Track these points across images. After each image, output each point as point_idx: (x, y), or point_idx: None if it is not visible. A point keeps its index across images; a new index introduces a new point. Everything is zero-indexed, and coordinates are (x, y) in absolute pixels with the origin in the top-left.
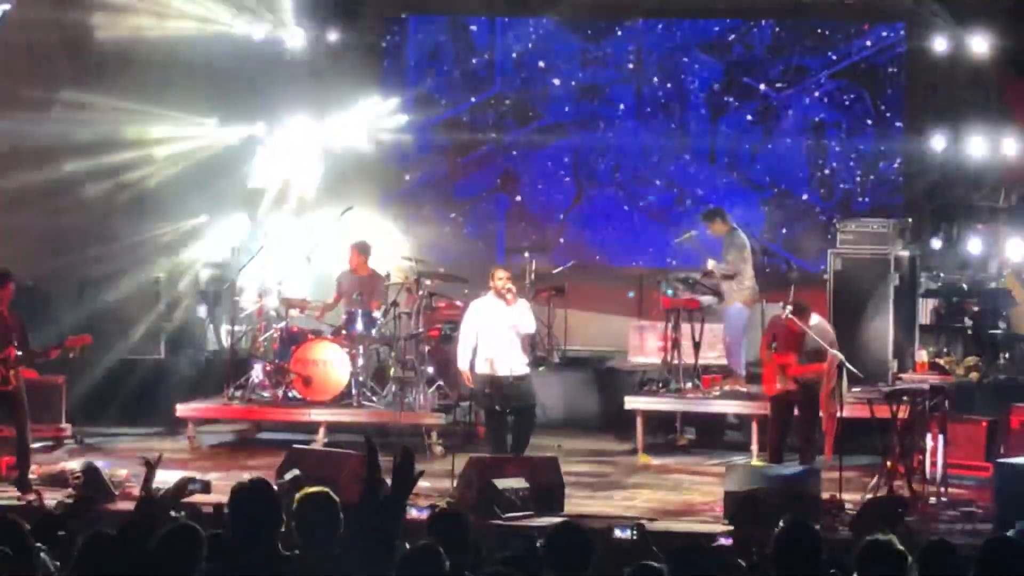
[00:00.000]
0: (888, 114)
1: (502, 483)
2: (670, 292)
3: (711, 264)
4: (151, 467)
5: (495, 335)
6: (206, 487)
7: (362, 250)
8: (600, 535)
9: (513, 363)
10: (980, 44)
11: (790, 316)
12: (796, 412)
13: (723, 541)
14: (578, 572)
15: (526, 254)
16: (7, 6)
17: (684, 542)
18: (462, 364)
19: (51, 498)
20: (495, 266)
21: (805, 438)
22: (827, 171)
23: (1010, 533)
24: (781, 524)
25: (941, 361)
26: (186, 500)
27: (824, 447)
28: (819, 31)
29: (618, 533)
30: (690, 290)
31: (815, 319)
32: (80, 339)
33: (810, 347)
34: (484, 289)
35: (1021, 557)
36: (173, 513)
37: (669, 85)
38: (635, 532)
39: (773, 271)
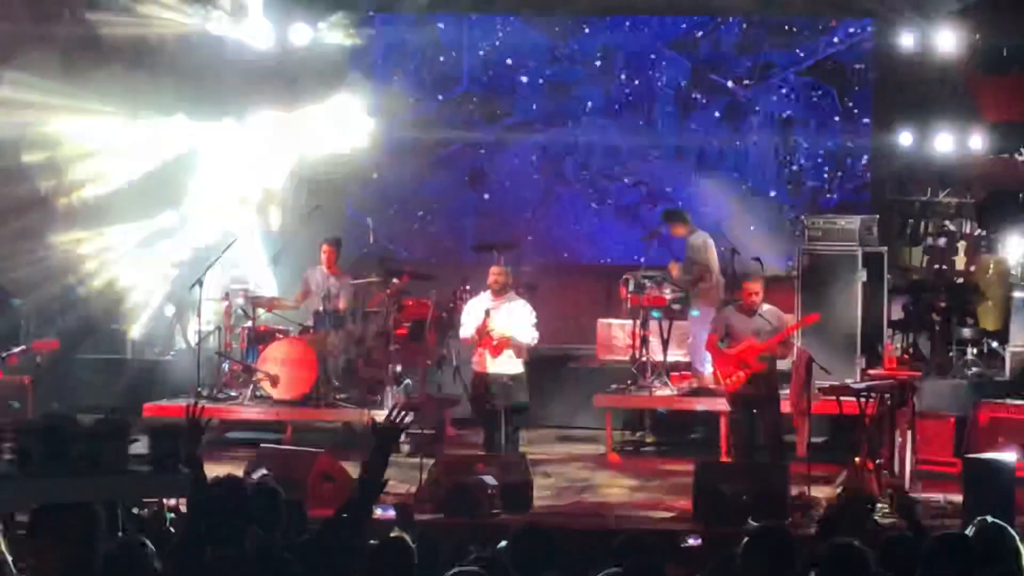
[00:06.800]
0: (855, 111)
1: (469, 482)
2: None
3: (675, 272)
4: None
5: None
6: None
7: (335, 248)
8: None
9: (504, 362)
10: (947, 40)
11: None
12: (757, 412)
13: (692, 542)
14: (543, 573)
15: (494, 252)
16: None
17: (627, 537)
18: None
19: None
20: (493, 265)
21: (773, 436)
22: (795, 168)
23: (970, 530)
24: (750, 528)
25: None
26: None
27: (795, 444)
28: (786, 28)
29: None
30: (658, 288)
31: (766, 305)
32: (46, 344)
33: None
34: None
35: (971, 553)
36: (136, 510)
37: (637, 83)
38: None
39: (741, 269)
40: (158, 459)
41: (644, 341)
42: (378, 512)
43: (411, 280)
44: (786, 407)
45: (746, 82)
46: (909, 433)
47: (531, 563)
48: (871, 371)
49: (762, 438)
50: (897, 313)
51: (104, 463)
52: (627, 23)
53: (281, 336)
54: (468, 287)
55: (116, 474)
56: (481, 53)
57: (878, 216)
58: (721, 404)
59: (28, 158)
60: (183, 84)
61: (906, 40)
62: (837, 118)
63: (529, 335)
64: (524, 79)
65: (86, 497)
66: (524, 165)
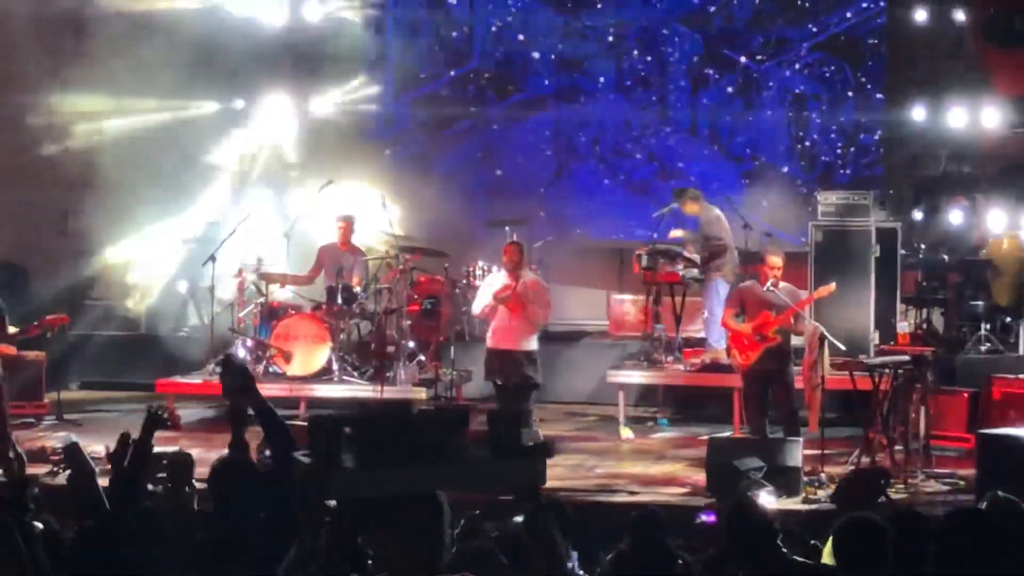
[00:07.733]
0: (868, 86)
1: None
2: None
3: (689, 245)
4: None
5: (502, 310)
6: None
7: (350, 224)
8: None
9: (516, 339)
10: (960, 14)
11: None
12: (770, 387)
13: (704, 518)
14: (557, 548)
15: (507, 228)
16: None
17: (640, 513)
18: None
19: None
20: (507, 242)
21: (786, 411)
22: (808, 143)
23: (982, 504)
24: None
25: None
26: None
27: (808, 419)
28: (799, 2)
29: None
30: (670, 263)
31: (782, 283)
32: (57, 319)
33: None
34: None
35: (984, 528)
36: (151, 487)
37: (649, 58)
38: None
39: (754, 244)
40: (498, 446)
41: (657, 317)
42: None
43: (424, 256)
44: (799, 382)
45: (759, 57)
46: (923, 408)
47: (546, 538)
48: (885, 346)
49: (775, 414)
50: (910, 288)
51: (446, 452)
52: None
53: (294, 312)
54: (481, 263)
55: (459, 464)
56: (493, 29)
57: (891, 191)
58: (734, 379)
59: (38, 135)
60: (195, 62)
61: (919, 14)
62: (850, 93)
63: (542, 314)
64: (536, 55)
65: (429, 487)
66: (536, 141)
